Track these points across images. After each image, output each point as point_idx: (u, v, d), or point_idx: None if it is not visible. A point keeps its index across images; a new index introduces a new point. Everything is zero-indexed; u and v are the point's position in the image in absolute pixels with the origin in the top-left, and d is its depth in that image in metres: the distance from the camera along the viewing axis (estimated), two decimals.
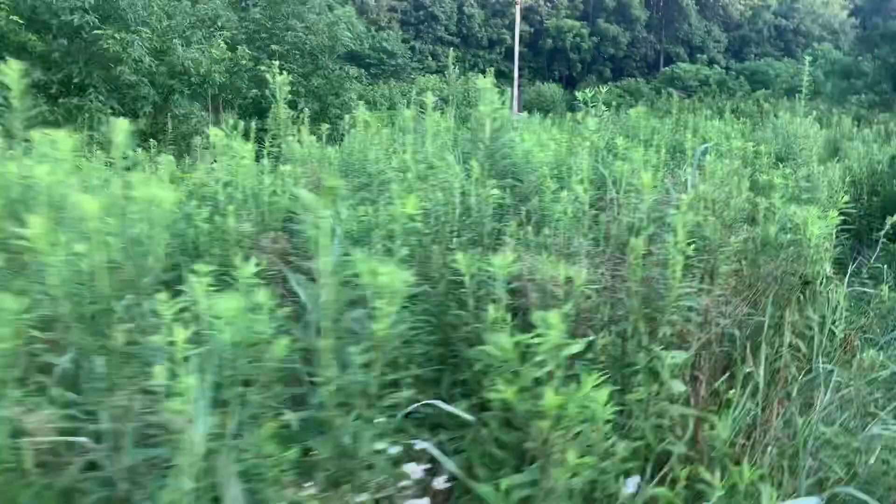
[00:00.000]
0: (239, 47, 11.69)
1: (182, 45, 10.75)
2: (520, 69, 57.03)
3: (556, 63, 57.16)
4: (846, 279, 4.41)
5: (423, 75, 39.84)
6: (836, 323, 3.92)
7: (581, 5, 57.97)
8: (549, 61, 57.24)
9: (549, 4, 57.55)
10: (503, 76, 56.28)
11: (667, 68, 53.26)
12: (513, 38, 56.17)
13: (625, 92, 46.15)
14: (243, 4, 11.86)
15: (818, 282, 3.33)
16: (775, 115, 12.13)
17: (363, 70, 43.64)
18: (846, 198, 4.45)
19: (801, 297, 3.49)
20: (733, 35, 62.89)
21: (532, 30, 56.47)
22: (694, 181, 3.57)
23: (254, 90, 10.92)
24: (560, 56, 56.89)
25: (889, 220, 4.99)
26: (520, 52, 56.65)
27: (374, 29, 47.59)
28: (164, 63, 10.72)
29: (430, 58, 51.85)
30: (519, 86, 24.49)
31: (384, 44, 43.50)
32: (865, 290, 4.27)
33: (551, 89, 47.57)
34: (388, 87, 35.99)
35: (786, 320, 3.23)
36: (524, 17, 56.75)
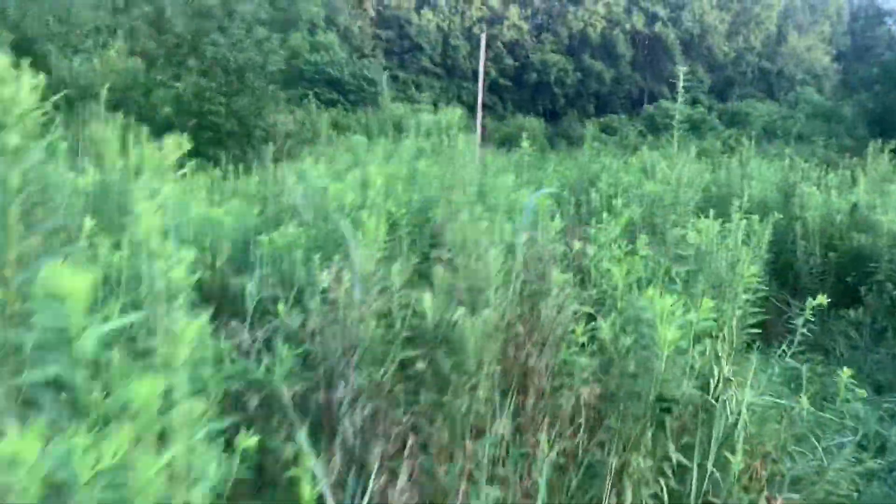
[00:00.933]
0: (131, 58, 10.73)
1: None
2: (502, 101, 56.50)
3: (539, 97, 56.64)
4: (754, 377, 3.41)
5: (396, 105, 39.08)
6: (735, 446, 2.87)
7: (566, 40, 57.57)
8: (534, 94, 56.72)
9: (534, 39, 57.14)
10: (487, 109, 55.71)
11: (649, 105, 52.85)
12: (497, 70, 55.72)
13: (607, 127, 45.59)
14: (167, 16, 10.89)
15: (684, 403, 2.26)
16: (737, 158, 11.20)
17: (342, 96, 42.98)
18: (753, 270, 3.45)
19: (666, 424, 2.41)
20: (717, 76, 62.65)
21: (517, 63, 56.00)
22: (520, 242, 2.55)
23: (167, 108, 9.94)
24: (544, 90, 56.38)
25: (809, 304, 4.05)
26: (503, 86, 56.17)
27: (356, 56, 46.95)
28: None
29: (413, 87, 51.21)
30: (482, 119, 23.63)
31: (364, 71, 42.77)
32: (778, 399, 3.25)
33: (531, 123, 46.94)
34: (364, 115, 35.20)
35: (631, 465, 2.15)
36: (509, 51, 56.35)
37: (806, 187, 8.15)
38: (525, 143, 8.54)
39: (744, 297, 4.40)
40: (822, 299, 3.62)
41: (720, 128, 40.36)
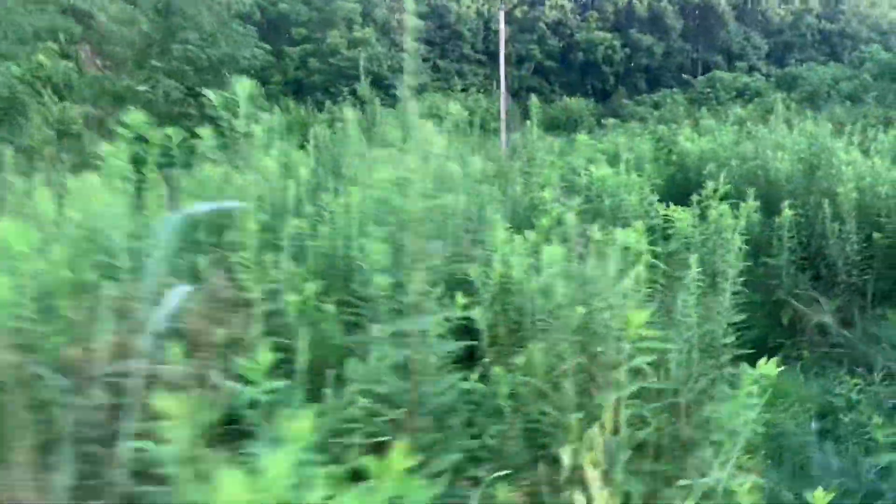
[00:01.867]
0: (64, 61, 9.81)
1: None
2: (550, 84, 54.67)
3: (587, 77, 54.59)
4: None
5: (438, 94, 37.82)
6: None
7: (612, 17, 55.30)
8: (581, 75, 54.70)
9: (579, 17, 55.02)
10: (535, 91, 53.95)
11: (703, 77, 50.22)
12: (542, 52, 53.89)
13: (658, 103, 43.48)
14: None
15: None
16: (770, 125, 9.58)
17: (382, 91, 41.98)
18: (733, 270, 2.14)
19: None
20: (774, 41, 59.33)
21: (562, 44, 54.04)
22: None
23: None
24: (592, 69, 54.30)
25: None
26: (549, 68, 54.32)
27: (395, 50, 45.92)
28: None
29: (455, 77, 49.89)
30: (506, 108, 22.18)
31: (402, 63, 41.61)
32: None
33: (579, 104, 45.08)
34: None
35: None
36: (553, 31, 54.46)
37: (843, 154, 6.58)
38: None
39: (728, 298, 3.09)
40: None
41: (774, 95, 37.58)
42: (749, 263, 4.86)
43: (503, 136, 19.98)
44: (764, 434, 3.39)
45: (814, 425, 3.75)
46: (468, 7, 51.89)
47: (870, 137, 9.06)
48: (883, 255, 5.68)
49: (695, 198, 4.15)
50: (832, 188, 6.00)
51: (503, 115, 21.64)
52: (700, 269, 2.96)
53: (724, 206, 3.36)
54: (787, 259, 5.58)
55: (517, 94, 53.61)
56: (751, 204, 3.58)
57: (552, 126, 41.24)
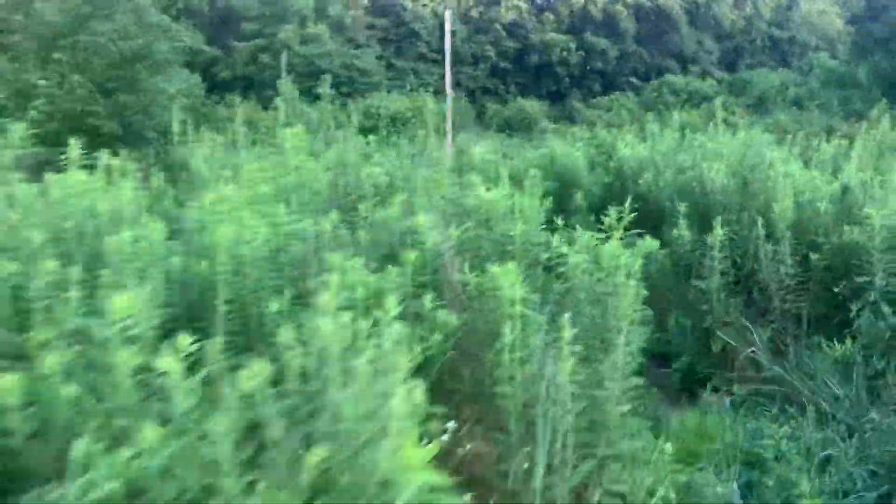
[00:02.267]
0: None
1: None
2: (505, 84, 54.34)
3: (543, 78, 54.34)
4: None
5: (388, 92, 37.15)
6: None
7: (568, 19, 55.13)
8: (537, 77, 54.43)
9: (535, 19, 54.73)
10: (488, 93, 53.57)
11: (655, 81, 50.32)
12: (498, 53, 53.53)
13: (610, 106, 43.36)
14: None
15: None
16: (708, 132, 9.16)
17: (332, 88, 41.08)
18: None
19: None
20: (726, 46, 59.91)
21: (518, 45, 53.71)
22: None
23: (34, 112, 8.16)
24: (547, 71, 54.08)
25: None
26: (504, 68, 53.97)
27: (351, 47, 45.09)
28: None
29: (412, 75, 49.16)
30: (451, 108, 21.59)
31: (355, 61, 40.87)
32: None
33: (533, 106, 44.76)
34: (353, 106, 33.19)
35: None
36: (509, 33, 54.15)
37: (782, 164, 6.13)
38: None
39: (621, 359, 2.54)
40: None
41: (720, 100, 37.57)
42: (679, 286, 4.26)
43: (449, 138, 19.47)
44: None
45: (735, 489, 3.23)
46: (424, 6, 51.25)
47: (812, 147, 8.70)
48: (819, 278, 5.23)
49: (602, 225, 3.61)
50: (768, 202, 5.54)
51: (448, 116, 21.03)
52: (591, 320, 2.40)
53: (615, 245, 2.78)
54: (718, 283, 5.09)
55: (473, 94, 53.17)
56: (651, 242, 3.00)
57: (507, 127, 40.88)
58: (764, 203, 5.40)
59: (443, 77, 51.49)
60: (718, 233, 4.98)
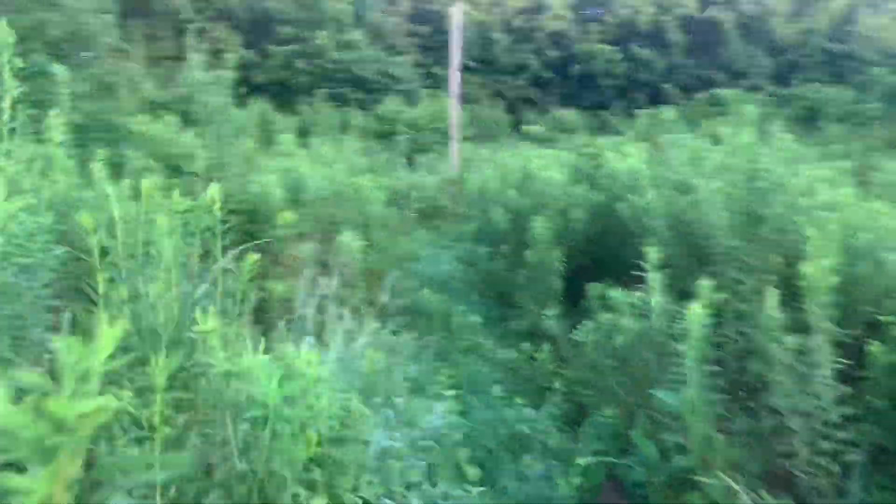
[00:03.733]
0: None
1: None
2: (546, 95, 51.92)
3: (585, 90, 51.72)
4: None
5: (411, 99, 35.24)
6: None
7: (613, 29, 52.42)
8: (579, 87, 51.86)
9: (579, 29, 52.17)
10: (530, 103, 51.18)
11: (702, 94, 47.26)
12: (540, 63, 51.14)
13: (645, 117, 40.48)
14: None
15: None
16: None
17: (367, 94, 39.34)
18: None
19: None
20: (780, 60, 56.34)
21: (561, 55, 51.24)
22: None
23: None
24: (590, 82, 51.45)
25: None
26: (546, 78, 51.54)
27: (389, 54, 43.28)
28: None
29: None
30: (455, 111, 19.44)
31: (390, 68, 39.00)
32: None
33: (572, 116, 42.31)
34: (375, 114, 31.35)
35: None
36: (554, 42, 51.74)
37: (826, 189, 3.77)
38: None
39: None
40: None
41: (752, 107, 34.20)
42: None
43: (453, 148, 17.38)
44: None
45: None
46: (466, 14, 49.08)
47: (871, 166, 6.23)
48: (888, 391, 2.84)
49: None
50: (794, 253, 3.17)
51: (452, 122, 18.87)
52: None
53: None
54: (698, 395, 2.78)
55: (513, 104, 50.87)
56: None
57: (543, 138, 38.47)
58: (785, 255, 3.10)
59: (482, 85, 49.38)
60: (700, 308, 2.71)
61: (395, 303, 6.42)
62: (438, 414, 3.26)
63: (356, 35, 40.86)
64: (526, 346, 4.98)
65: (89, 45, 12.38)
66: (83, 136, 6.21)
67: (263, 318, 4.69)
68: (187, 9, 37.57)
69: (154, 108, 11.65)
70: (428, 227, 12.78)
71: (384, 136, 20.89)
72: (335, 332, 4.60)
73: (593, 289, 4.83)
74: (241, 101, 33.16)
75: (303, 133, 19.30)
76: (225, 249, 4.34)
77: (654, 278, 3.60)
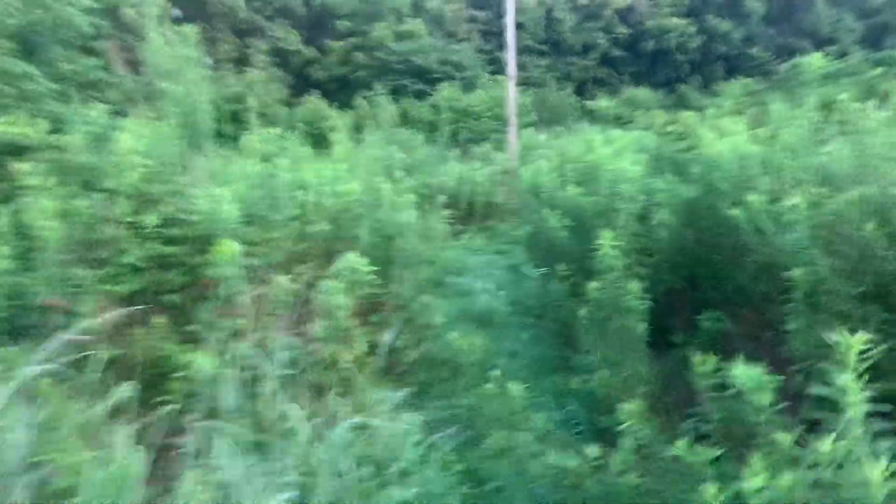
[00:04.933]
0: None
1: None
2: (619, 74, 48.90)
3: (659, 66, 48.47)
4: None
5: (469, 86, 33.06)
6: None
7: (687, 2, 48.82)
8: (652, 64, 48.63)
9: (650, 3, 48.80)
10: (600, 83, 48.22)
11: (788, 63, 43.30)
12: (609, 41, 48.16)
13: (729, 89, 37.12)
14: None
15: None
16: None
17: (428, 86, 37.39)
18: None
19: None
20: (870, 22, 51.49)
21: (631, 31, 48.09)
22: None
23: None
24: (664, 58, 48.15)
25: None
26: (617, 57, 48.53)
27: (452, 42, 41.24)
28: None
29: (518, 69, 44.62)
30: (513, 95, 17.29)
31: (452, 56, 36.96)
32: None
33: (646, 95, 39.37)
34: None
35: None
36: (622, 19, 48.61)
37: None
38: None
39: None
40: None
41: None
42: None
43: (512, 135, 15.33)
44: None
45: None
46: None
47: None
48: None
49: None
50: None
51: (511, 110, 16.75)
52: None
53: None
54: None
55: (583, 85, 48.00)
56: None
57: (614, 120, 35.76)
58: None
59: (548, 68, 46.77)
60: None
61: (406, 354, 4.56)
62: None
63: (415, 24, 39.01)
64: (592, 449, 3.00)
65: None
66: None
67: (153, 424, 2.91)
68: (244, 9, 36.50)
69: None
70: (479, 228, 10.83)
71: (437, 126, 18.98)
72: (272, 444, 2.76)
73: (697, 363, 2.81)
74: (294, 98, 31.71)
75: (357, 129, 17.55)
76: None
77: (846, 375, 1.61)
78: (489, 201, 11.52)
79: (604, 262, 3.58)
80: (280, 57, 39.71)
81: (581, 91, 45.35)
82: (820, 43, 49.80)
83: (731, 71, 48.12)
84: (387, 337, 4.37)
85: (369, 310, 5.03)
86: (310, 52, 39.41)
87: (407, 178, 9.42)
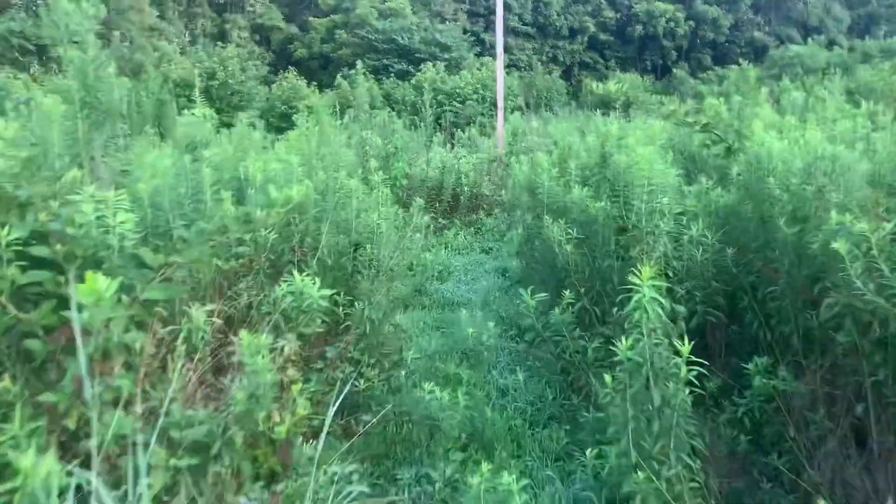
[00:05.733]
0: None
1: None
2: (605, 59, 47.75)
3: (647, 52, 47.36)
4: None
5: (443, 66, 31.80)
6: None
7: None
8: (640, 50, 47.49)
9: None
10: (587, 68, 46.99)
11: (775, 52, 42.39)
12: (598, 25, 46.94)
13: (723, 79, 36.15)
14: None
15: None
16: None
17: (412, 66, 35.98)
18: None
19: None
20: (858, 13, 50.70)
21: (619, 16, 46.90)
22: None
23: None
24: (651, 44, 47.02)
25: None
26: (604, 41, 47.35)
27: (436, 22, 39.79)
28: None
29: (505, 51, 43.32)
30: (501, 79, 16.07)
31: (437, 36, 35.55)
32: None
33: (634, 81, 38.17)
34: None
35: None
36: (610, 3, 47.38)
37: None
38: None
39: None
40: None
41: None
42: None
43: (500, 121, 14.19)
44: None
45: None
46: None
47: None
48: None
49: None
50: None
51: (499, 91, 15.57)
52: None
53: None
54: None
55: (570, 69, 46.75)
56: None
57: (602, 105, 34.57)
58: None
59: (535, 50, 45.46)
60: None
61: (366, 410, 3.44)
62: None
63: (400, 2, 37.52)
64: None
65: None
66: None
67: None
68: None
69: None
70: (465, 222, 9.67)
71: (420, 109, 17.75)
72: None
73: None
74: (275, 76, 30.11)
75: (339, 111, 16.27)
76: None
77: None
78: (475, 192, 10.40)
79: (640, 310, 2.48)
80: (260, 33, 38.10)
81: (567, 75, 44.16)
82: (808, 31, 48.93)
83: (719, 58, 47.16)
84: (339, 390, 3.23)
85: (323, 342, 3.92)
86: (291, 28, 37.83)
87: (384, 168, 8.26)
